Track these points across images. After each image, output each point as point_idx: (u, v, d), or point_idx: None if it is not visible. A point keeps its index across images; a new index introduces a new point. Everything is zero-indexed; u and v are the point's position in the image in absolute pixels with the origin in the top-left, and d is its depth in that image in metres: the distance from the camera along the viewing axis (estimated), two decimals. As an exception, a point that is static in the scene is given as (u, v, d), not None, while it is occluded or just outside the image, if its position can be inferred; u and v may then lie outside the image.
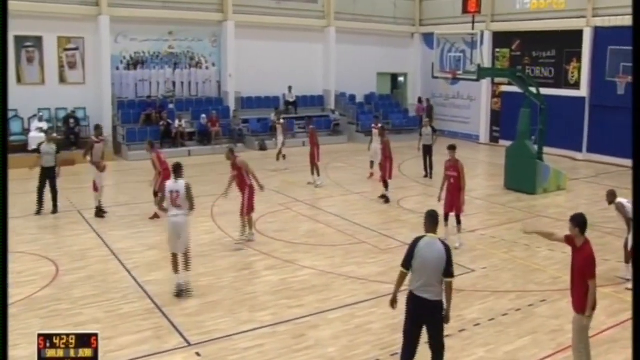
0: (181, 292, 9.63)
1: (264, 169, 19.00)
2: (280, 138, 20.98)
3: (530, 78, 21.37)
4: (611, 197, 10.55)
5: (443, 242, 6.71)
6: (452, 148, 13.00)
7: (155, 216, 14.15)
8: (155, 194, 14.32)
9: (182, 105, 25.34)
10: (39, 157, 14.78)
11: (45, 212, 14.62)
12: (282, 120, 21.50)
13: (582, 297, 6.75)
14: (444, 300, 6.67)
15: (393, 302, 6.98)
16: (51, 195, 14.69)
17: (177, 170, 9.95)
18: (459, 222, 12.57)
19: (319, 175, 18.17)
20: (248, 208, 12.43)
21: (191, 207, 9.85)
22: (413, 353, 6.86)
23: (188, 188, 9.73)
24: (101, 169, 14.65)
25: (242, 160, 12.67)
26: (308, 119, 20.58)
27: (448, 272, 6.55)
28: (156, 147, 15.32)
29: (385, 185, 16.19)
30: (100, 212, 14.55)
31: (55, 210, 14.70)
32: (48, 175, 14.60)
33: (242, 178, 12.46)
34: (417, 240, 6.72)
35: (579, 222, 6.81)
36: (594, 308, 6.81)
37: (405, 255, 6.75)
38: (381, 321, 8.78)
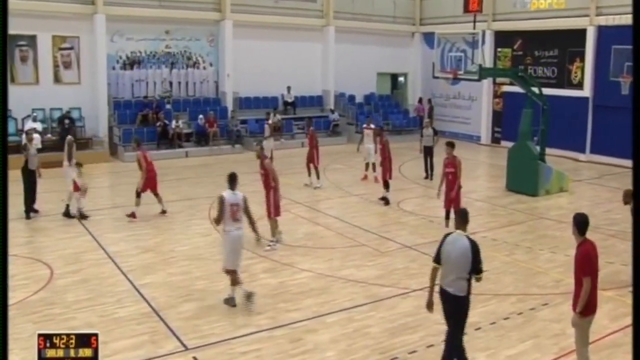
0: (250, 295, 9.35)
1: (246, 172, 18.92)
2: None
3: (532, 78, 21.33)
4: (628, 197, 10.37)
5: (470, 239, 6.95)
6: (450, 145, 13.43)
7: (132, 215, 14.25)
8: (138, 194, 14.39)
9: (179, 105, 25.33)
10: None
11: (39, 215, 14.60)
12: (270, 122, 21.29)
13: (578, 297, 6.76)
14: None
15: (430, 303, 7.24)
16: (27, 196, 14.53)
17: (234, 180, 9.44)
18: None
19: (318, 177, 18.12)
20: (275, 210, 12.44)
21: (252, 221, 9.64)
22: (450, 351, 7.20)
23: (246, 200, 9.45)
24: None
25: (269, 162, 12.74)
26: (308, 120, 20.49)
27: (475, 268, 6.85)
28: (142, 145, 15.23)
29: (386, 186, 16.17)
30: (81, 215, 14.39)
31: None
32: (29, 177, 14.59)
33: (267, 179, 12.50)
34: (445, 236, 7.14)
35: (577, 221, 6.79)
36: (593, 311, 6.76)
37: (436, 251, 7.14)
38: (380, 325, 8.75)
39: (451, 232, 7.16)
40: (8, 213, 5.07)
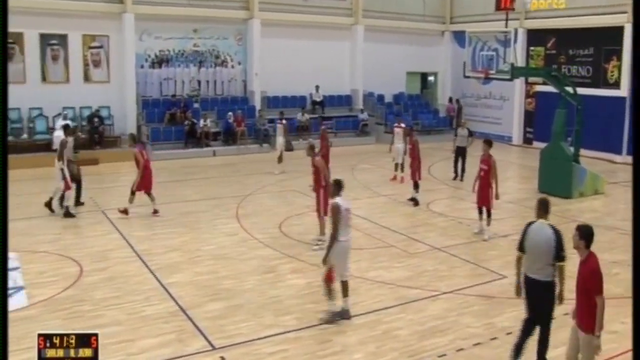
0: (346, 313, 9.02)
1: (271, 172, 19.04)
2: (280, 139, 20.82)
3: (566, 77, 21.07)
4: None
5: (553, 227, 7.25)
6: (486, 143, 13.76)
7: (125, 212, 14.36)
8: (133, 192, 14.43)
9: (207, 104, 25.52)
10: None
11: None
12: (284, 121, 21.27)
13: (588, 315, 6.40)
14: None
15: (518, 288, 7.51)
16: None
17: (341, 186, 9.01)
18: (488, 215, 13.26)
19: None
20: (325, 209, 12.26)
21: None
22: (524, 339, 7.48)
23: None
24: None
25: (319, 160, 12.67)
26: (320, 119, 20.41)
27: (559, 256, 7.09)
28: (139, 142, 15.32)
29: (415, 187, 16.10)
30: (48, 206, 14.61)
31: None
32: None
33: (317, 178, 12.51)
34: (528, 225, 7.39)
35: (585, 233, 6.57)
36: (601, 327, 6.39)
37: (519, 240, 7.41)
38: (409, 327, 8.71)
39: (533, 222, 7.38)
40: (8, 213, 4.99)
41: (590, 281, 6.35)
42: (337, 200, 8.79)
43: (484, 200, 13.27)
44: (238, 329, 8.66)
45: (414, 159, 16.29)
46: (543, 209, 7.46)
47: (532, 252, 7.21)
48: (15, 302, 9.49)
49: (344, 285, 8.96)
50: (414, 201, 16.09)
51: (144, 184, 14.46)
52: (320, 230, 12.46)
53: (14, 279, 10.46)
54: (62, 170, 14.11)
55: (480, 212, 13.44)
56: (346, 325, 8.86)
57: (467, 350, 8.08)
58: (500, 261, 11.77)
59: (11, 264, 11.18)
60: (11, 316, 8.95)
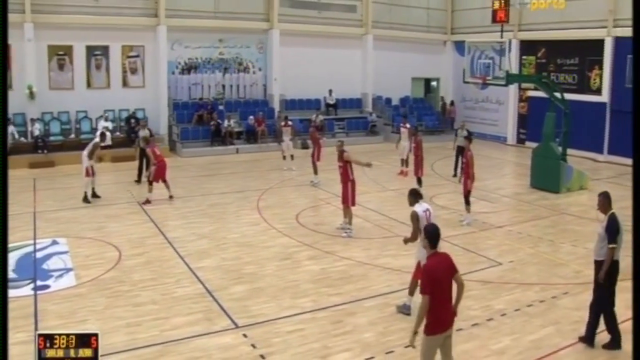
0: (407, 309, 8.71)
1: (289, 168, 19.02)
2: (286, 140, 20.34)
3: (555, 84, 20.91)
4: None
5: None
6: (466, 139, 14.49)
7: (147, 202, 14.94)
8: (150, 182, 15.10)
9: (231, 106, 25.52)
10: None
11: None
12: (290, 122, 21.06)
13: None
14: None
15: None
16: (145, 166, 16.69)
17: (417, 195, 8.84)
18: (466, 202, 13.57)
19: (316, 174, 17.80)
20: (352, 200, 12.49)
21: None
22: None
23: None
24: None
25: (348, 155, 12.64)
26: (312, 121, 20.30)
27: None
28: (151, 142, 16.11)
29: (419, 182, 16.07)
30: (94, 196, 15.31)
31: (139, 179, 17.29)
32: (142, 154, 16.82)
33: (346, 171, 12.53)
34: (615, 217, 7.49)
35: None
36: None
37: (615, 232, 7.42)
38: (415, 309, 8.69)
39: (614, 212, 7.53)
40: (8, 213, 4.95)
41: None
42: (416, 208, 8.51)
43: (465, 190, 13.50)
44: (260, 310, 8.71)
45: (417, 157, 16.24)
46: (610, 201, 7.64)
47: (622, 238, 7.40)
48: (66, 282, 9.73)
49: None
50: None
51: (160, 174, 15.22)
52: (348, 218, 12.60)
53: (64, 261, 10.70)
54: (91, 166, 15.11)
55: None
56: (357, 307, 8.89)
57: (466, 330, 8.09)
58: (497, 250, 11.76)
59: (61, 248, 11.41)
60: (63, 293, 9.24)
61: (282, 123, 20.66)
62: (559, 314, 8.75)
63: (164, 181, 15.41)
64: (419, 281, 7.02)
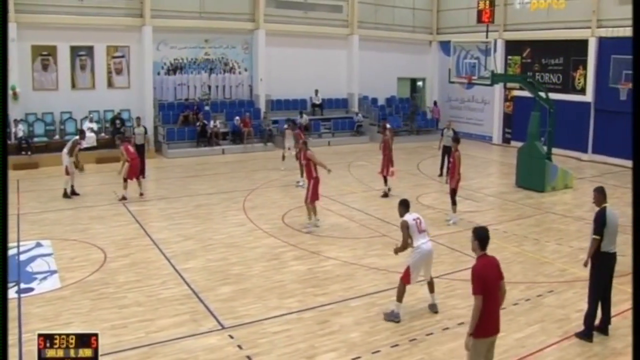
0: (435, 307, 8.78)
1: (275, 168, 19.00)
2: (287, 143, 20.15)
3: (539, 84, 21.07)
4: None
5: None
6: (454, 140, 14.41)
7: (124, 198, 15.14)
8: (125, 180, 15.26)
9: (216, 107, 25.44)
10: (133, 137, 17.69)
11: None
12: (297, 131, 20.87)
13: None
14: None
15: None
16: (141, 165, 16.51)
17: (408, 206, 8.72)
18: (453, 202, 13.70)
19: (302, 175, 17.57)
20: (312, 196, 12.83)
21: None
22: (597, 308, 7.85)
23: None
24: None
25: (311, 153, 13.02)
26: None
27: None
28: (124, 140, 16.34)
29: (385, 181, 16.18)
30: (73, 193, 15.61)
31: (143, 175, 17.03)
32: (139, 150, 16.93)
33: (309, 169, 12.90)
34: (604, 211, 7.71)
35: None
36: None
37: (599, 225, 7.66)
38: (401, 309, 8.73)
39: (605, 207, 7.74)
40: (7, 213, 4.86)
41: None
42: (405, 218, 8.48)
43: (451, 189, 13.70)
44: (246, 310, 8.69)
45: (385, 155, 16.19)
46: (604, 195, 7.85)
47: (613, 231, 7.64)
48: (50, 284, 9.63)
49: (430, 284, 8.74)
50: (384, 194, 16.13)
51: (133, 172, 15.43)
52: (308, 214, 13.07)
53: (48, 263, 10.59)
54: (72, 163, 15.50)
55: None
56: (343, 306, 8.90)
57: (452, 329, 8.12)
58: (481, 249, 11.80)
59: (45, 250, 11.30)
60: (47, 296, 9.15)
61: (285, 126, 20.54)
62: (543, 312, 8.81)
63: (137, 179, 15.67)
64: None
